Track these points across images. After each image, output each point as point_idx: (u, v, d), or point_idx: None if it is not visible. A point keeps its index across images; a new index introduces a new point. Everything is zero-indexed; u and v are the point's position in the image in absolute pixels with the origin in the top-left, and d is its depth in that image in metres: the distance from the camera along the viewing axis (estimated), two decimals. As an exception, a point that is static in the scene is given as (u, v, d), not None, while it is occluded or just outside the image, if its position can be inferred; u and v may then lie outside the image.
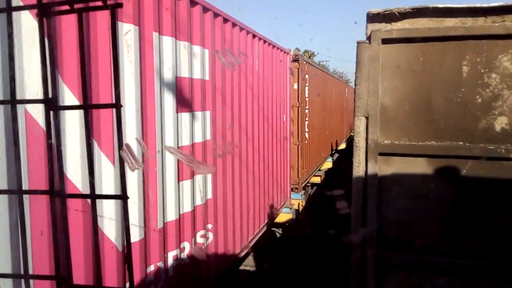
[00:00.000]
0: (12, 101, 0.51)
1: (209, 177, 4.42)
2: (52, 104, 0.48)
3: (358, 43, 2.60)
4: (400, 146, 2.61)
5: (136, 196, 3.12)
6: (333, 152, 14.23)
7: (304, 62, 9.29)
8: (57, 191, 0.48)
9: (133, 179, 3.06)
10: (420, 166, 2.60)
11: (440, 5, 2.48)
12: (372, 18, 2.62)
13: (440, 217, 2.57)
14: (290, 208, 8.17)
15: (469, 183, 2.51)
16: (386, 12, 2.57)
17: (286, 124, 7.63)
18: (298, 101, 8.97)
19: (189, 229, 3.99)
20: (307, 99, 9.46)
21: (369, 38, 2.59)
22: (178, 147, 3.68)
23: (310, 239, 9.48)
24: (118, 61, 0.52)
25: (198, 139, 4.11)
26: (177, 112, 3.68)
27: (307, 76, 9.39)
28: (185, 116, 3.82)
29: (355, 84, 2.65)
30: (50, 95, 0.51)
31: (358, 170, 2.67)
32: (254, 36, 5.82)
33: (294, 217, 8.73)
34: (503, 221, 2.43)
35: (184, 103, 3.77)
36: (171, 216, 3.68)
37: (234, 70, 4.99)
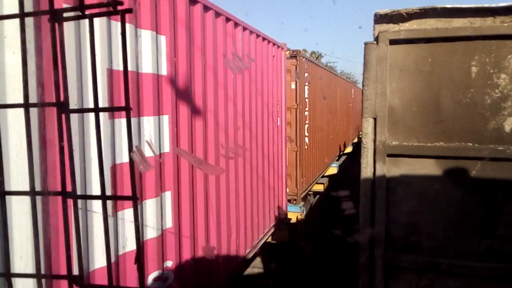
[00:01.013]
0: (26, 105, 0.52)
1: (168, 201, 3.42)
2: (64, 108, 0.49)
3: (366, 44, 2.60)
4: (409, 147, 2.60)
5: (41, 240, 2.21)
6: (339, 156, 13.28)
7: (303, 59, 8.30)
8: (69, 192, 0.49)
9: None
10: (428, 167, 2.59)
11: (448, 5, 2.47)
12: (380, 19, 2.61)
13: (449, 219, 2.55)
14: (286, 224, 7.20)
15: (478, 184, 2.50)
16: (394, 13, 2.57)
17: (281, 128, 6.65)
18: (296, 102, 7.97)
19: (134, 273, 2.98)
20: (307, 100, 8.51)
21: (376, 39, 2.59)
22: (111, 166, 2.68)
23: (310, 257, 8.38)
24: (127, 64, 0.53)
25: (148, 152, 3.14)
26: (111, 117, 2.65)
27: (306, 74, 8.45)
28: (125, 123, 2.49)
29: (363, 85, 2.65)
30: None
31: (366, 171, 2.67)
32: (236, 24, 4.79)
33: (293, 224, 7.70)
34: (513, 223, 2.40)
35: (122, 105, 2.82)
36: (99, 262, 2.65)
37: (206, 63, 4.01)
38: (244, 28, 5.01)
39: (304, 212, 8.52)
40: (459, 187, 2.54)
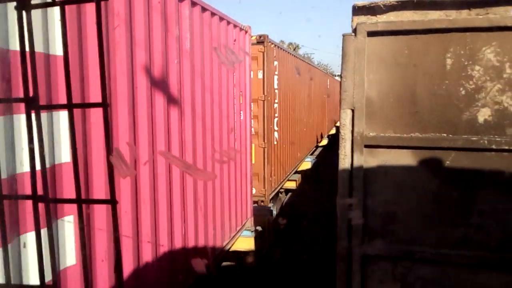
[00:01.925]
0: (-10, 100, 0.48)
1: (69, 229, 2.41)
2: (33, 104, 0.45)
3: (344, 35, 2.59)
4: (385, 138, 2.63)
5: None
6: (312, 150, 12.63)
7: (272, 46, 7.39)
8: (40, 196, 0.46)
9: None
10: (405, 158, 2.63)
11: None
12: (358, 10, 2.61)
13: (425, 208, 2.61)
14: (252, 231, 6.11)
15: (453, 174, 2.55)
16: (372, 5, 2.57)
17: (244, 123, 5.73)
18: (263, 93, 7.08)
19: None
20: (276, 91, 7.67)
21: (354, 30, 2.59)
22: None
23: (279, 265, 7.46)
24: (103, 57, 0.49)
25: (26, 166, 2.07)
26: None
27: (276, 63, 7.59)
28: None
29: (341, 77, 2.65)
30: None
31: (344, 162, 2.69)
32: None
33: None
34: (486, 212, 2.47)
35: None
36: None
37: (135, 44, 3.10)
38: (194, 3, 3.96)
39: (274, 213, 7.85)
40: (434, 177, 2.59)
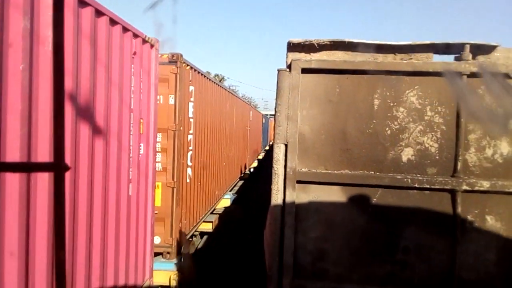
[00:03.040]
0: None
1: None
2: None
3: (279, 70, 2.60)
4: (317, 174, 2.63)
5: None
6: (232, 186, 11.61)
7: (187, 67, 6.36)
8: None
9: None
10: (335, 194, 2.65)
11: (355, 40, 2.60)
12: (293, 47, 2.65)
13: (353, 245, 2.62)
14: None
15: (379, 211, 2.61)
16: (306, 43, 2.63)
17: (145, 158, 4.52)
18: (175, 122, 6.02)
19: None
20: (191, 120, 6.68)
21: (289, 66, 2.61)
22: None
23: None
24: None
25: None
26: None
27: (192, 88, 6.64)
28: None
29: (275, 111, 2.64)
30: None
31: (277, 198, 2.63)
32: None
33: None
34: (410, 249, 2.55)
35: None
36: None
37: None
38: None
39: (184, 264, 6.60)
40: (362, 214, 2.63)
